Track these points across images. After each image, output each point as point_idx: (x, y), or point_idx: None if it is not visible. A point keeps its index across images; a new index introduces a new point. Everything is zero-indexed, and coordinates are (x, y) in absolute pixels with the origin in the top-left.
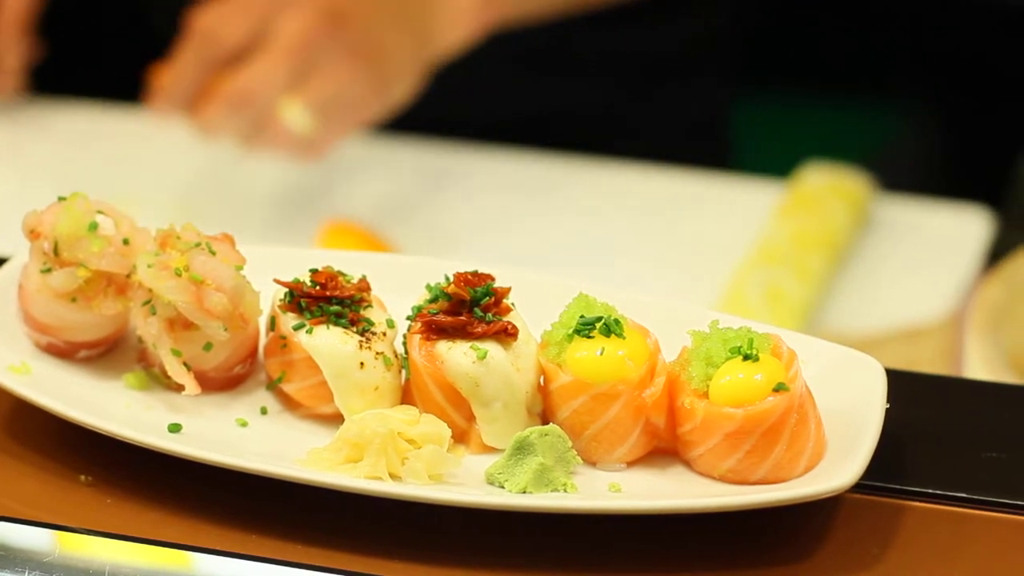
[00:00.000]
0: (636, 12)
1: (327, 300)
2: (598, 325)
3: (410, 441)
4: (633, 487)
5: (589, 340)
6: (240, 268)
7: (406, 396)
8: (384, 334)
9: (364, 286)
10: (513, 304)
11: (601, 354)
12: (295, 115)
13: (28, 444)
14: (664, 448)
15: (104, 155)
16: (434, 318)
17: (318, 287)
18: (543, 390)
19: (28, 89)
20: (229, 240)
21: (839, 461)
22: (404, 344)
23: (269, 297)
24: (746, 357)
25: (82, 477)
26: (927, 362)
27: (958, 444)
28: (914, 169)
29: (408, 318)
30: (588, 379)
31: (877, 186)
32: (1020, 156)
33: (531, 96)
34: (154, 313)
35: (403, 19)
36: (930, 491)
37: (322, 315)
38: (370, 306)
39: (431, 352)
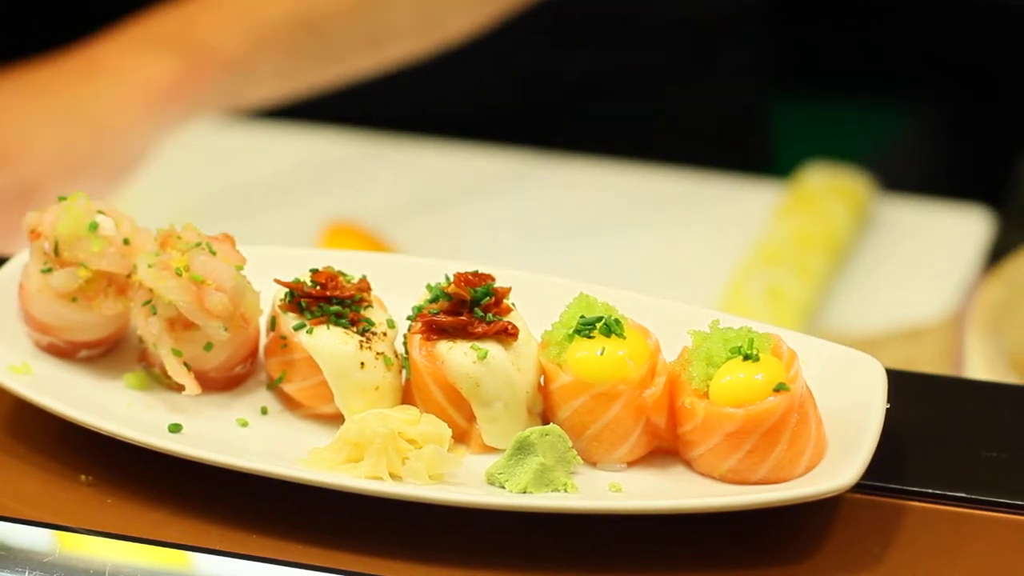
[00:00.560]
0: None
1: (327, 300)
2: (598, 325)
3: (411, 441)
4: (633, 487)
5: (590, 340)
6: (241, 268)
7: (406, 396)
8: (384, 334)
9: (364, 286)
10: (513, 304)
11: (602, 354)
12: None
13: (28, 444)
14: (664, 448)
15: None
16: (434, 318)
17: (318, 287)
18: (543, 390)
19: None
20: (229, 240)
21: (839, 461)
22: (404, 344)
23: (270, 297)
24: (746, 357)
25: (83, 477)
26: (927, 362)
27: (958, 444)
28: (914, 169)
29: (408, 318)
30: (589, 379)
31: (877, 186)
32: (1020, 156)
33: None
34: (155, 313)
35: (62, 118)
36: (930, 491)
37: (322, 315)
38: (370, 306)
39: (431, 352)
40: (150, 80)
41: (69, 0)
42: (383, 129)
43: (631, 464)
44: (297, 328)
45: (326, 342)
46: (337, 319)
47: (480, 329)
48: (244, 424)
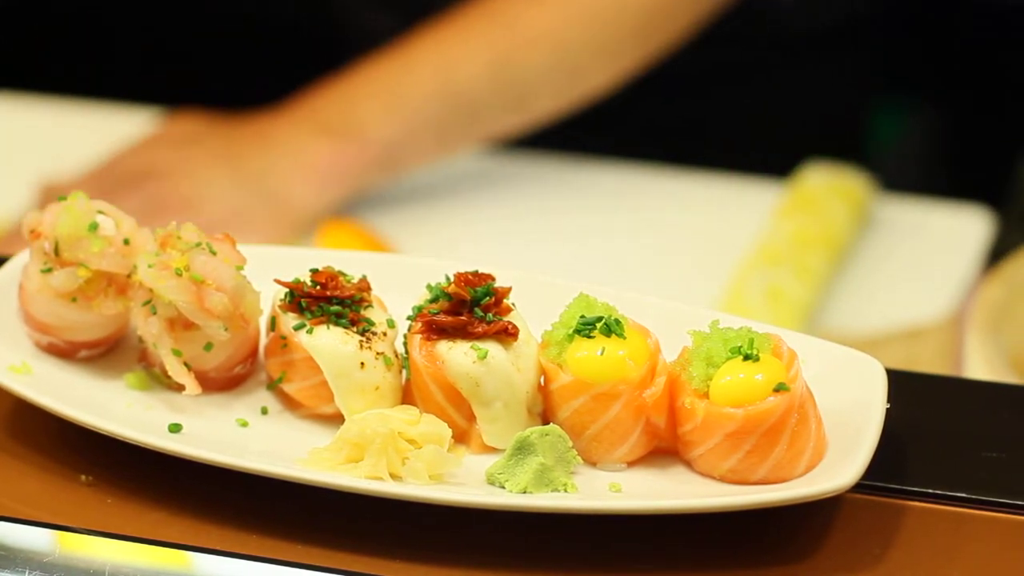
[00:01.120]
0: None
1: (327, 300)
2: (599, 325)
3: (411, 441)
4: (633, 487)
5: (590, 340)
6: (241, 268)
7: (406, 396)
8: (384, 334)
9: (364, 286)
10: (513, 304)
11: (602, 354)
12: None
13: (28, 444)
14: (664, 448)
15: (101, 155)
16: (435, 318)
17: (318, 287)
18: (543, 390)
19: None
20: (230, 240)
21: (839, 461)
22: (404, 344)
23: (270, 297)
24: (747, 357)
25: (83, 477)
26: (927, 362)
27: (958, 444)
28: (914, 169)
29: (408, 318)
30: (589, 379)
31: (877, 186)
32: (1020, 156)
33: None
34: (155, 313)
35: (240, 181)
36: (930, 491)
37: (322, 315)
38: (370, 306)
39: (431, 352)
40: (318, 161)
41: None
42: None
43: (631, 464)
44: (297, 328)
45: (326, 342)
46: (337, 319)
47: (480, 329)
48: (244, 424)
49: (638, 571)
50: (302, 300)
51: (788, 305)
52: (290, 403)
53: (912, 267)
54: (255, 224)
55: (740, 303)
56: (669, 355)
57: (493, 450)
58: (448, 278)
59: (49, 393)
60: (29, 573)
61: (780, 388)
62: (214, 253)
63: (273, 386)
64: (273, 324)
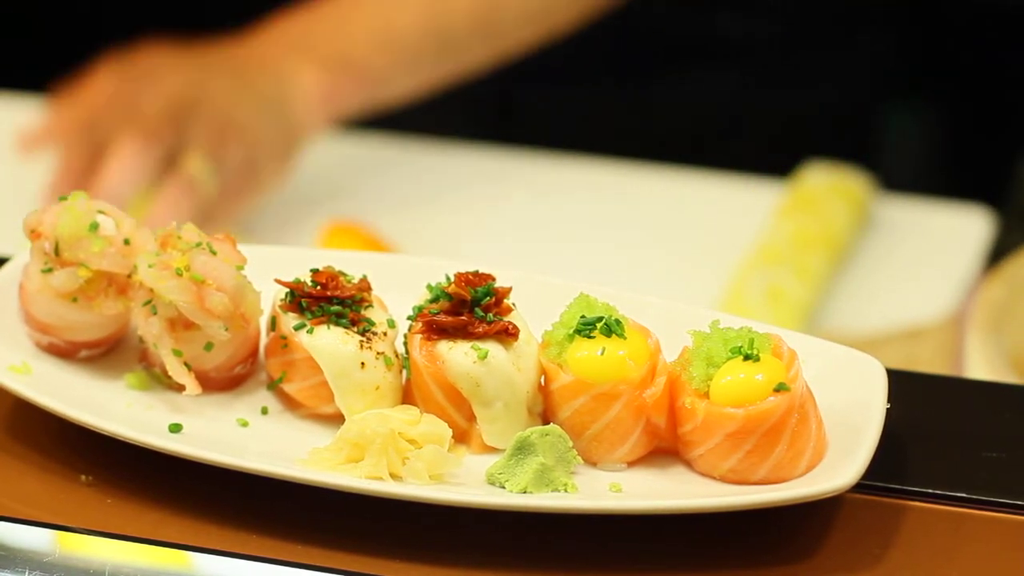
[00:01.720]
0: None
1: (328, 300)
2: (599, 325)
3: (411, 441)
4: (634, 487)
5: (590, 340)
6: (241, 268)
7: (407, 396)
8: (385, 334)
9: (365, 286)
10: (514, 304)
11: (602, 354)
12: (196, 165)
13: (28, 444)
14: (665, 448)
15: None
16: (435, 318)
17: (319, 287)
18: (544, 390)
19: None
20: (230, 240)
21: (840, 461)
22: (405, 344)
23: (270, 297)
24: (747, 357)
25: (83, 477)
26: (927, 362)
27: (958, 444)
28: (914, 169)
29: (409, 318)
30: (589, 379)
31: (878, 186)
32: (1020, 156)
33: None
34: (155, 313)
35: (259, 106)
36: (930, 491)
37: (323, 315)
38: (371, 306)
39: (432, 352)
40: (321, 93)
41: None
42: (384, 129)
43: (631, 464)
44: (297, 328)
45: (326, 342)
46: (337, 319)
47: (480, 329)
48: (244, 424)
49: (638, 571)
50: (302, 300)
51: (788, 305)
52: (290, 403)
53: (912, 267)
54: (283, 154)
55: (740, 303)
56: (669, 355)
57: (493, 450)
58: (448, 278)
59: (49, 393)
60: (29, 573)
61: (780, 388)
62: (214, 253)
63: (273, 386)
64: (273, 324)
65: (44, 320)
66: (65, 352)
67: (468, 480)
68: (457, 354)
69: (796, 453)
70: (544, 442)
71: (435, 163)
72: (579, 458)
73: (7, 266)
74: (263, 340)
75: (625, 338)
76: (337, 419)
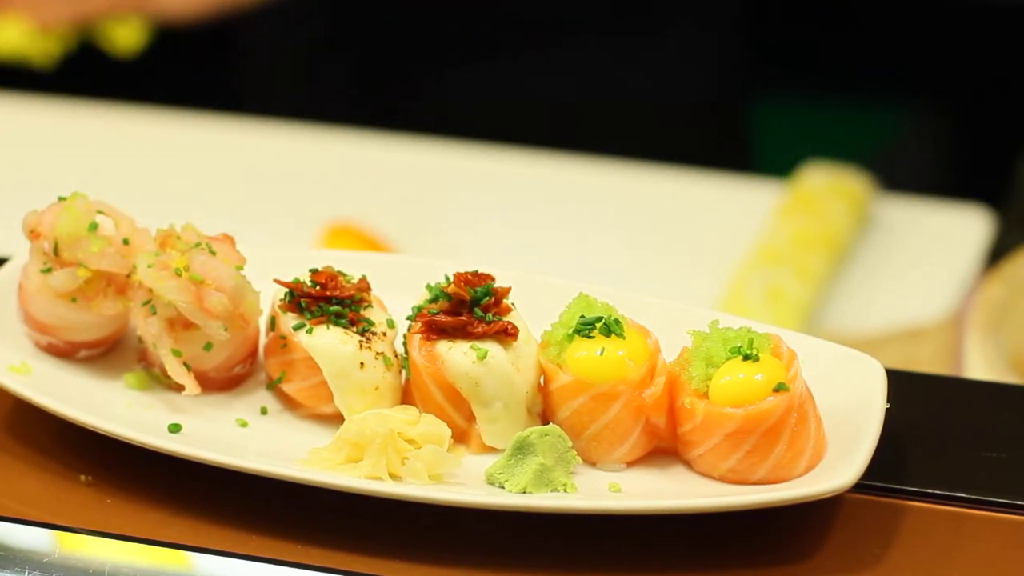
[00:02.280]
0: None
1: (327, 300)
2: (598, 325)
3: (410, 441)
4: (633, 487)
5: (589, 340)
6: (240, 268)
7: (406, 396)
8: (384, 334)
9: (364, 286)
10: (513, 304)
11: (601, 354)
12: None
13: (28, 444)
14: (664, 448)
15: (103, 155)
16: (434, 318)
17: (318, 287)
18: (543, 390)
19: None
20: (229, 240)
21: (839, 461)
22: (404, 344)
23: (269, 297)
24: (746, 357)
25: (82, 477)
26: (927, 362)
27: (958, 444)
28: (914, 169)
29: (408, 318)
30: (588, 379)
31: (877, 186)
32: (1020, 156)
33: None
34: (154, 313)
35: None
36: (930, 491)
37: (322, 315)
38: (370, 306)
39: (431, 352)
40: None
41: None
42: (383, 129)
43: (631, 464)
44: (297, 328)
45: (326, 342)
46: (337, 319)
47: (480, 329)
48: (244, 424)
49: (638, 571)
50: (302, 300)
51: (788, 305)
52: (290, 403)
53: (912, 267)
54: None
55: (740, 303)
56: (669, 355)
57: (493, 450)
58: (448, 278)
59: (49, 393)
60: (29, 573)
61: (780, 388)
62: (214, 253)
63: (273, 386)
64: (273, 324)
65: (43, 320)
66: (64, 352)
67: (468, 480)
68: (456, 354)
69: (796, 453)
70: (543, 442)
71: (435, 162)
72: (578, 458)
73: (7, 266)
74: (262, 340)
75: (624, 338)
76: (336, 419)
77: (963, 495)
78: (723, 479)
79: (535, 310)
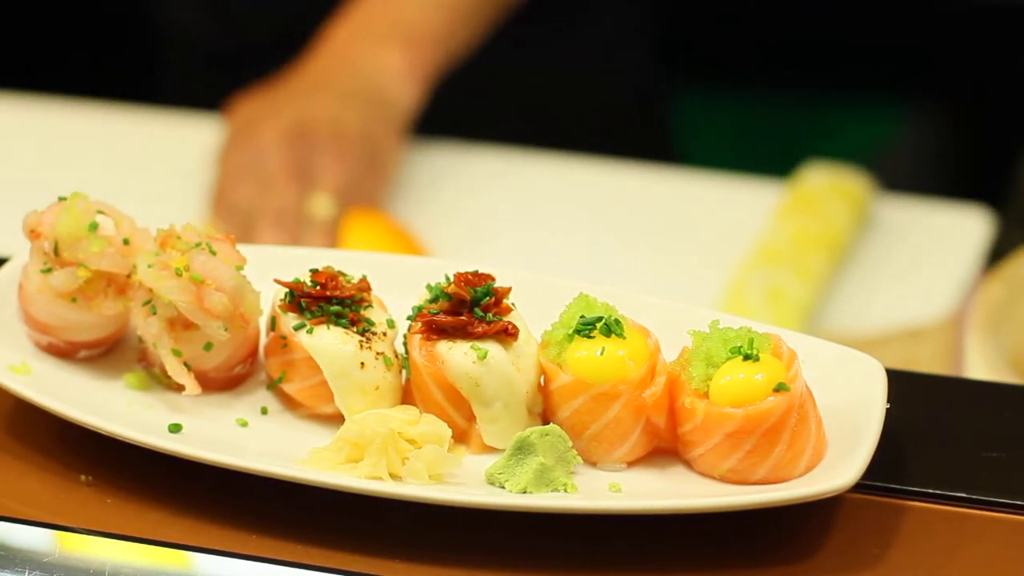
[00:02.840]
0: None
1: (327, 300)
2: (598, 325)
3: (410, 441)
4: (633, 487)
5: (589, 340)
6: (240, 268)
7: (406, 396)
8: (384, 334)
9: (364, 286)
10: (513, 304)
11: (601, 354)
12: (322, 206)
13: (28, 444)
14: (664, 448)
15: (105, 155)
16: (434, 318)
17: (318, 287)
18: (543, 390)
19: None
20: (229, 240)
21: (839, 461)
22: (404, 344)
23: (269, 297)
24: (746, 357)
25: (82, 477)
26: (927, 362)
27: (958, 444)
28: (914, 169)
29: (408, 318)
30: (588, 379)
31: (878, 186)
32: (1020, 156)
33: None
34: (154, 313)
35: (357, 102)
36: (930, 491)
37: (322, 315)
38: (370, 306)
39: (431, 352)
40: (394, 69)
41: None
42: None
43: (631, 464)
44: (297, 328)
45: (326, 342)
46: (337, 319)
47: (480, 329)
48: (244, 424)
49: (638, 571)
50: (302, 300)
51: (788, 305)
52: (290, 403)
53: (912, 267)
54: (389, 139)
55: (740, 303)
56: (669, 355)
57: (493, 450)
58: (448, 278)
59: (49, 393)
60: (29, 573)
61: (780, 388)
62: (214, 253)
63: (273, 386)
64: (273, 324)
65: (44, 320)
66: (65, 352)
67: (468, 480)
68: (457, 354)
69: (796, 453)
70: (544, 442)
71: (435, 163)
72: (579, 458)
73: (7, 266)
74: (263, 340)
75: (625, 338)
76: (337, 419)
77: (963, 495)
78: (723, 479)
79: (535, 310)
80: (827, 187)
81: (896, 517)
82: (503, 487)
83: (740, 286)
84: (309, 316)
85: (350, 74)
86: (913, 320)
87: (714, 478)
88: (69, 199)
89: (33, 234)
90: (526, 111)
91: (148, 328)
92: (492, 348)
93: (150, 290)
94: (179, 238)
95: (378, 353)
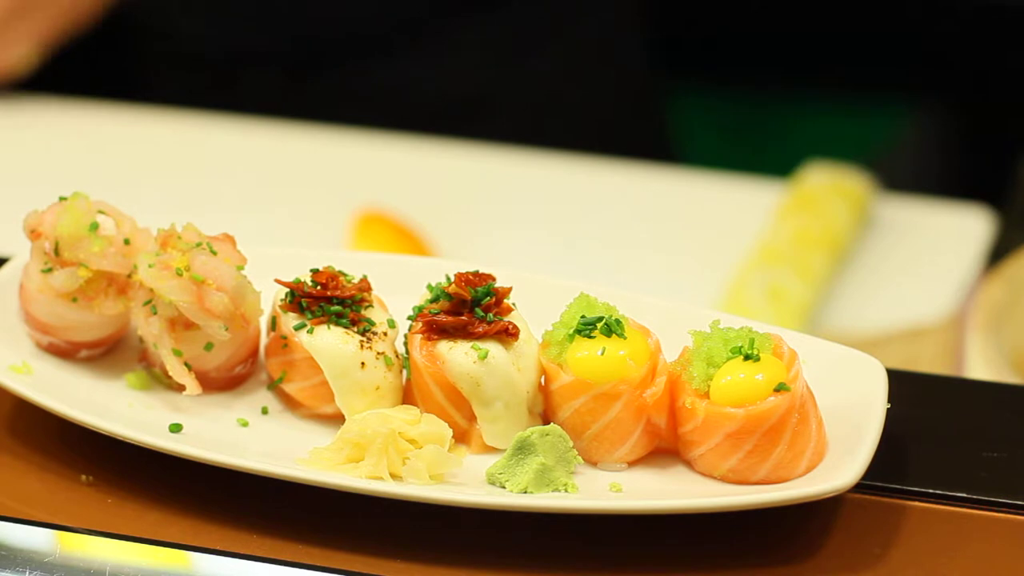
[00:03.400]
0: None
1: (328, 300)
2: (599, 325)
3: (411, 441)
4: (634, 487)
5: (590, 340)
6: (241, 268)
7: (407, 396)
8: (385, 334)
9: (365, 286)
10: (514, 304)
11: (602, 354)
12: None
13: (29, 444)
14: (665, 448)
15: (106, 155)
16: (435, 318)
17: (319, 287)
18: (544, 390)
19: (28, 88)
20: (230, 240)
21: (840, 461)
22: (405, 344)
23: (270, 297)
24: (747, 357)
25: (83, 477)
26: (928, 362)
27: (958, 444)
28: (915, 169)
29: (409, 318)
30: (589, 379)
31: (878, 186)
32: (1020, 156)
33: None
34: (155, 313)
35: None
36: (930, 491)
37: (323, 315)
38: (371, 306)
39: (432, 352)
40: None
41: None
42: (399, 128)
43: (631, 464)
44: (298, 328)
45: (326, 342)
46: (338, 319)
47: (481, 329)
48: (244, 424)
49: (638, 571)
50: (303, 300)
51: (788, 305)
52: (290, 403)
53: (912, 267)
54: None
55: (740, 303)
56: (669, 355)
57: (493, 450)
58: (449, 278)
59: (49, 393)
60: (29, 573)
61: (781, 388)
62: (215, 253)
63: (273, 386)
64: (274, 324)
65: (44, 320)
66: (65, 352)
67: (468, 480)
68: (457, 354)
69: (796, 453)
70: (544, 442)
71: (436, 163)
72: (579, 458)
73: (7, 266)
74: (263, 340)
75: (625, 338)
76: (337, 419)
77: (963, 495)
78: (724, 479)
79: (536, 310)
80: (827, 187)
81: (896, 517)
82: (504, 487)
83: (741, 286)
84: (310, 316)
85: None
86: (914, 320)
87: (715, 478)
88: (70, 199)
89: (34, 234)
90: (526, 111)
91: (149, 328)
92: (493, 348)
93: (151, 290)
94: (180, 238)
95: (379, 353)
